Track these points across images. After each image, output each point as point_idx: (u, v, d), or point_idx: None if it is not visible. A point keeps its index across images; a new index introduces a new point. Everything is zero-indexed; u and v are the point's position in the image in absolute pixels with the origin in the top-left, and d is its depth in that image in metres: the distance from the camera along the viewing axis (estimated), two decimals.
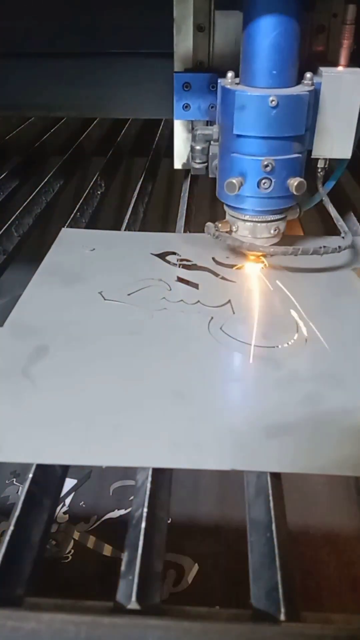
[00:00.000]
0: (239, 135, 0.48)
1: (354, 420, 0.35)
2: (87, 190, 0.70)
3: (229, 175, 0.49)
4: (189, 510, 0.60)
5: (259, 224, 0.51)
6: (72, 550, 0.57)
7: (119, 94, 0.99)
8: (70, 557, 0.56)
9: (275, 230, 0.52)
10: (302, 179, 0.48)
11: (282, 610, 0.25)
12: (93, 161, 0.90)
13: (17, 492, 0.63)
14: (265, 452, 0.33)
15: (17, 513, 0.29)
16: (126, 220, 0.63)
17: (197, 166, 0.56)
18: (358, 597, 0.52)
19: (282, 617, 0.24)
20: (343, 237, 0.53)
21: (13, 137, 0.94)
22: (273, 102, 0.45)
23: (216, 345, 0.42)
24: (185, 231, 0.61)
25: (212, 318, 0.46)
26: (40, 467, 0.32)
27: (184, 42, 0.56)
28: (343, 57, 0.50)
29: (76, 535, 0.59)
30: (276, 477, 0.32)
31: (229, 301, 0.48)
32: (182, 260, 0.55)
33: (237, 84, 0.49)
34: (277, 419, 0.35)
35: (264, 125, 0.46)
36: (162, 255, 0.56)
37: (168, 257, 0.55)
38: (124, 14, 0.86)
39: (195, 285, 0.51)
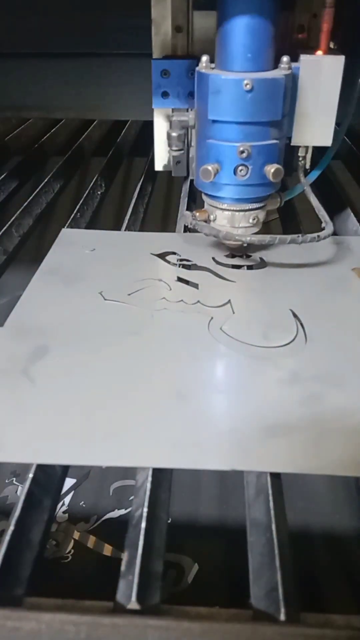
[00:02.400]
0: (214, 121, 0.46)
1: (354, 421, 0.35)
2: (87, 191, 0.70)
3: (204, 162, 0.48)
4: (189, 510, 0.60)
5: (237, 213, 0.50)
6: (72, 550, 0.57)
7: (118, 95, 0.99)
8: (70, 557, 0.56)
9: (254, 219, 0.51)
10: (279, 166, 0.47)
11: (282, 610, 0.25)
12: (93, 161, 0.90)
13: (17, 492, 0.63)
14: (265, 452, 0.33)
15: (17, 513, 0.29)
16: (126, 220, 0.63)
17: (175, 153, 0.55)
18: (358, 598, 0.52)
19: (282, 617, 0.24)
20: (323, 228, 0.52)
21: (13, 137, 0.94)
22: (247, 86, 0.44)
23: (216, 346, 0.42)
24: (185, 231, 0.61)
25: (212, 318, 0.46)
26: (40, 467, 0.32)
27: (162, 43, 0.55)
28: (323, 42, 0.49)
29: (76, 535, 0.59)
30: (276, 477, 0.32)
31: (229, 301, 0.48)
32: (182, 260, 0.55)
33: (213, 68, 0.47)
34: (277, 419, 0.35)
35: (239, 109, 0.45)
36: (162, 255, 0.56)
37: (168, 257, 0.55)
38: (123, 15, 0.86)
39: (195, 285, 0.51)
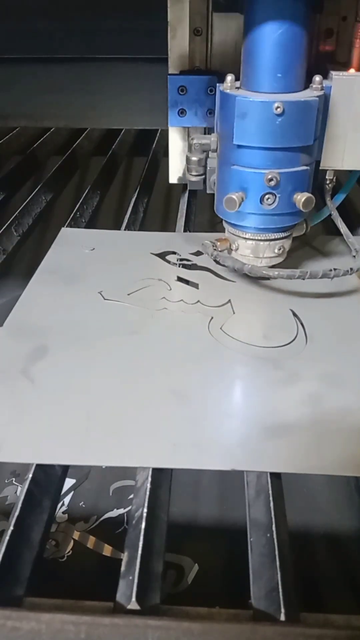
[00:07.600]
0: (239, 146, 0.43)
1: (354, 420, 0.35)
2: (87, 190, 0.70)
3: (228, 190, 0.44)
4: (189, 510, 0.60)
5: (261, 243, 0.46)
6: (71, 552, 0.57)
7: (112, 102, 0.94)
8: (70, 557, 0.56)
9: (279, 249, 0.47)
10: (310, 195, 0.43)
11: (282, 610, 0.25)
12: (93, 161, 0.90)
13: (16, 492, 0.63)
14: (265, 452, 0.33)
15: (16, 513, 0.29)
16: (126, 220, 0.63)
17: (193, 179, 0.51)
18: (358, 598, 0.52)
19: (282, 617, 0.24)
20: (354, 256, 0.49)
21: (13, 136, 0.94)
22: (278, 109, 0.40)
23: (216, 345, 0.42)
24: (185, 231, 0.61)
25: (212, 318, 0.46)
26: (40, 467, 0.32)
27: (179, 47, 0.51)
28: (355, 58, 0.45)
29: (76, 535, 0.59)
30: (276, 477, 0.32)
31: (229, 301, 0.48)
32: (182, 259, 0.55)
33: (238, 88, 0.44)
34: (278, 419, 0.35)
35: (268, 134, 0.41)
36: (162, 255, 0.56)
37: (168, 257, 0.55)
38: (120, 18, 0.84)
39: (195, 285, 0.51)
